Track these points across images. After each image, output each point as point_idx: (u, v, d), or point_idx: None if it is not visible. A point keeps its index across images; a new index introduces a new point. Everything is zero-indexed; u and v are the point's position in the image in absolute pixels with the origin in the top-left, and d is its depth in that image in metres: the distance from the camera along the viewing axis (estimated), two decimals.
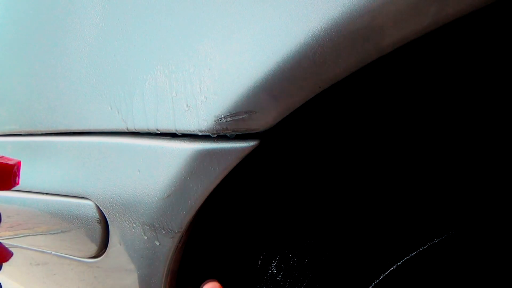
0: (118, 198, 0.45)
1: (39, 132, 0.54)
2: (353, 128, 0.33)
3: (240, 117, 0.31)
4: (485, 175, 0.28)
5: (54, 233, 0.61)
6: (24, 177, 0.59)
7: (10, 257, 0.39)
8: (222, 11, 0.31)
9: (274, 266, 0.29)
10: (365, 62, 0.25)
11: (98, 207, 0.49)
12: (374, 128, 0.32)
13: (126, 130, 0.42)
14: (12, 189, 0.56)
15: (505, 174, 0.27)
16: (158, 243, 0.40)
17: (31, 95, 0.53)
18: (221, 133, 0.33)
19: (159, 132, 0.39)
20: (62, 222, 0.57)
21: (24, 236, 0.67)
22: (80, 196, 0.51)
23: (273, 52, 0.28)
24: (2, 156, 0.37)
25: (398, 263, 0.26)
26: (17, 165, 0.37)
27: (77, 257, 0.52)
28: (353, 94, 0.33)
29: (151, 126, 0.39)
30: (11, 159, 0.37)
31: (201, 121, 0.34)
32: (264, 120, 0.30)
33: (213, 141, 0.34)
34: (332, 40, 0.25)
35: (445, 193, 0.28)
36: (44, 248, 0.68)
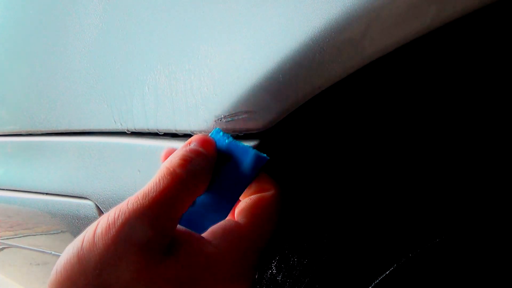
0: (118, 198, 0.45)
1: (39, 132, 0.54)
2: (353, 128, 0.33)
3: (240, 117, 0.31)
4: (486, 175, 0.28)
5: (54, 233, 0.61)
6: (24, 177, 0.59)
7: None
8: (222, 11, 0.31)
9: (274, 266, 0.29)
10: (365, 62, 0.25)
11: (98, 207, 0.49)
12: (374, 128, 0.33)
13: (126, 130, 0.42)
14: (12, 189, 0.57)
15: (506, 174, 0.27)
16: None
17: (31, 95, 0.53)
18: None
19: (159, 132, 0.39)
20: (62, 222, 0.57)
21: (24, 236, 0.67)
22: (80, 196, 0.51)
23: (273, 52, 0.28)
24: None
25: (398, 263, 0.26)
26: None
27: None
28: (353, 94, 0.33)
29: (151, 126, 0.39)
30: None
31: (201, 121, 0.34)
32: (264, 120, 0.30)
33: None
34: (332, 40, 0.25)
35: (445, 193, 0.28)
36: (44, 248, 0.68)
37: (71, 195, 0.53)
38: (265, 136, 0.32)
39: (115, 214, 0.25)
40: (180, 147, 0.29)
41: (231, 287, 0.27)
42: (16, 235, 0.68)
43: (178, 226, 0.28)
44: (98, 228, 0.25)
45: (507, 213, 0.26)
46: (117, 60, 0.40)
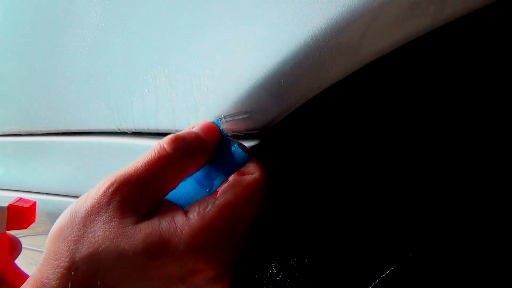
0: None
1: (39, 132, 0.54)
2: (353, 128, 0.33)
3: (240, 117, 0.31)
4: (486, 175, 0.28)
5: None
6: (24, 177, 0.59)
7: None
8: (222, 11, 0.31)
9: (274, 266, 0.29)
10: (365, 62, 0.25)
11: None
12: (374, 128, 0.33)
13: (126, 130, 0.42)
14: (12, 189, 0.57)
15: (506, 175, 0.27)
16: None
17: (31, 95, 0.53)
18: None
19: (159, 132, 0.39)
20: None
21: (24, 236, 0.67)
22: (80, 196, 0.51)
23: (273, 52, 0.28)
24: (20, 199, 0.45)
25: (398, 263, 0.26)
26: (33, 206, 0.45)
27: None
28: (353, 94, 0.33)
29: (151, 126, 0.39)
30: (28, 201, 0.45)
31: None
32: (264, 120, 0.31)
33: None
34: (332, 41, 0.25)
35: (446, 193, 0.28)
36: (44, 248, 0.68)
37: (71, 195, 0.53)
38: (265, 136, 0.32)
39: (107, 178, 0.28)
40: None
41: (197, 259, 0.27)
42: (16, 235, 0.68)
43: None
44: (92, 190, 0.28)
45: (507, 214, 0.26)
46: (117, 60, 0.40)
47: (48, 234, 0.30)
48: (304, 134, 0.34)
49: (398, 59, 0.30)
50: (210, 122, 0.31)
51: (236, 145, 0.31)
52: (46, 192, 0.56)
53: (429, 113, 0.31)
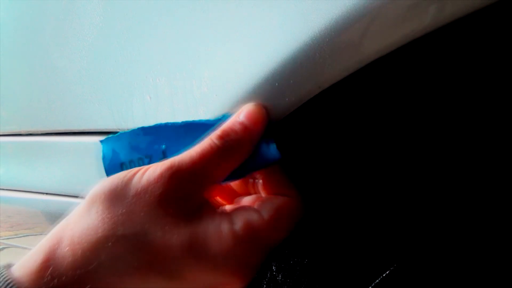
0: None
1: (39, 132, 0.54)
2: (353, 128, 0.33)
3: None
4: (487, 175, 0.28)
5: None
6: (24, 177, 0.59)
7: None
8: (222, 11, 0.31)
9: (274, 266, 0.29)
10: (365, 62, 0.25)
11: None
12: (374, 128, 0.33)
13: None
14: (12, 189, 0.57)
15: (506, 175, 0.27)
16: None
17: (31, 95, 0.53)
18: None
19: None
20: None
21: (24, 236, 0.67)
22: (80, 196, 0.51)
23: (273, 52, 0.28)
24: None
25: (398, 263, 0.26)
26: None
27: None
28: (353, 94, 0.33)
29: None
30: None
31: None
32: None
33: None
34: (332, 40, 0.25)
35: (446, 194, 0.28)
36: None
37: (71, 195, 0.53)
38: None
39: (162, 162, 0.28)
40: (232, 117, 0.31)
41: (232, 274, 0.27)
42: (16, 235, 0.68)
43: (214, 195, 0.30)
44: (150, 168, 0.28)
45: (507, 215, 0.26)
46: (117, 60, 0.40)
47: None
48: (303, 134, 0.34)
49: (399, 59, 0.30)
50: (256, 107, 0.30)
51: (273, 139, 0.30)
52: (46, 192, 0.56)
53: (430, 113, 0.31)
